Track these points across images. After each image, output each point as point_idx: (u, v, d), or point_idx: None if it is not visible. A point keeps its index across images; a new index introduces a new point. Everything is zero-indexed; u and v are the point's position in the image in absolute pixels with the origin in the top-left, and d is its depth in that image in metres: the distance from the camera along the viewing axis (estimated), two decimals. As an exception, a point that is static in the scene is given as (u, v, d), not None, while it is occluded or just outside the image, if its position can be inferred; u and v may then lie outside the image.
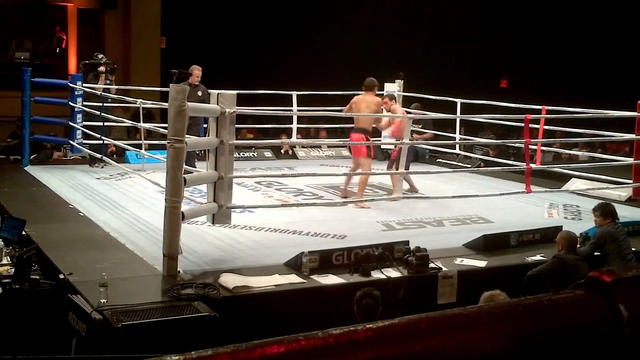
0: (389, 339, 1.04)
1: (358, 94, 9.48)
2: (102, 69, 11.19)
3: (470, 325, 1.08)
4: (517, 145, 12.24)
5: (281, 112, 12.01)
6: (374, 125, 9.44)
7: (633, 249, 6.89)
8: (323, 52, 18.15)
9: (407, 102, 12.47)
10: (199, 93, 9.96)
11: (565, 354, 1.11)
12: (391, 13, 18.92)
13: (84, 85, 10.88)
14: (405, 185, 9.48)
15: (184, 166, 6.20)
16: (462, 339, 1.06)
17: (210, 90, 7.15)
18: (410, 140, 9.03)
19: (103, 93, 10.71)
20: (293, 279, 5.83)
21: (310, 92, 11.97)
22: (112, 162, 10.63)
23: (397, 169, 9.15)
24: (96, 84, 11.03)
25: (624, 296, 1.15)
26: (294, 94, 12.01)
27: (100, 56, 11.56)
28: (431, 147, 12.68)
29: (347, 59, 17.35)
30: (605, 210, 7.00)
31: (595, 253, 6.78)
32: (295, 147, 13.09)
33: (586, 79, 17.84)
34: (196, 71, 10.28)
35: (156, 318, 4.89)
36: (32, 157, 11.36)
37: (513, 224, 7.92)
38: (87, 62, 11.55)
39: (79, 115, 10.99)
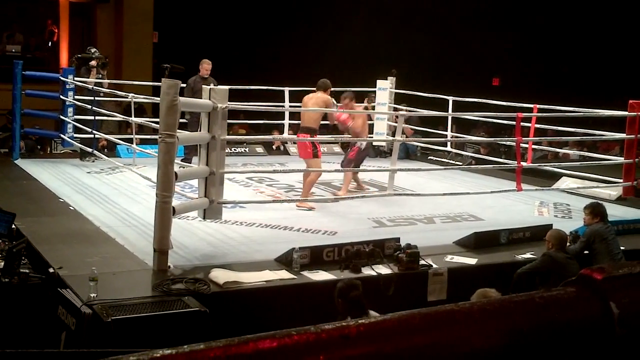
0: (381, 334, 1.04)
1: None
2: (93, 63, 11.15)
3: (462, 322, 1.09)
4: (508, 143, 12.26)
5: (273, 108, 12.01)
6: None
7: (622, 248, 6.92)
8: (316, 49, 18.14)
9: (398, 100, 12.50)
10: (212, 85, 10.00)
11: (556, 351, 1.12)
12: (385, 11, 18.93)
13: (75, 79, 10.85)
14: (353, 183, 9.50)
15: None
16: (453, 335, 1.07)
17: (203, 86, 7.14)
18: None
19: (95, 87, 10.68)
20: (283, 274, 5.83)
21: (302, 88, 11.92)
22: (103, 156, 10.60)
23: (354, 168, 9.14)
24: (88, 77, 11.00)
25: (614, 294, 1.15)
26: (286, 89, 12.00)
27: (93, 50, 11.52)
28: (422, 145, 12.70)
29: (340, 57, 17.35)
30: (594, 210, 7.02)
31: (585, 252, 6.80)
32: (286, 143, 13.07)
33: (578, 78, 17.91)
34: (205, 65, 10.78)
35: (146, 313, 4.88)
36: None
37: (503, 221, 7.93)
38: (79, 55, 11.51)
39: (70, 109, 10.95)
